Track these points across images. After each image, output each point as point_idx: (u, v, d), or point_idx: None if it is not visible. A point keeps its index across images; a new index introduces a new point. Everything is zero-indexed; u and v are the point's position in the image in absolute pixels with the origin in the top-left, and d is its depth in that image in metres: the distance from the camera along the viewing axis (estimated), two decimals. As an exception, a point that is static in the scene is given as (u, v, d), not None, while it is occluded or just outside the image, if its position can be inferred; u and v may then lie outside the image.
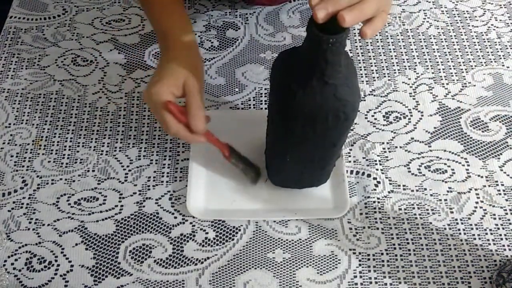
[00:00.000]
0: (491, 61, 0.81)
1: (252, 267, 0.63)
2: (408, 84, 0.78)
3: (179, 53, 0.61)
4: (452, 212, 0.67)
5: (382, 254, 0.64)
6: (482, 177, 0.69)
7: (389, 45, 0.82)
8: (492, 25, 0.85)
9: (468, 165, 0.70)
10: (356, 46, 0.82)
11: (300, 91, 0.50)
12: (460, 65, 0.80)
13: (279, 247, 0.64)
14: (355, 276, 0.62)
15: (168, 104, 0.57)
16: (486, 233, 0.65)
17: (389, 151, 0.71)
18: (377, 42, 0.82)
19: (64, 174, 0.69)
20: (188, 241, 0.64)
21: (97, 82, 0.77)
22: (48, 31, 0.82)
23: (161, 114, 0.58)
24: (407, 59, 0.81)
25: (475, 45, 0.82)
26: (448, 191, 0.68)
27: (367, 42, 0.82)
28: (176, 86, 0.58)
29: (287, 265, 0.63)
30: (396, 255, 0.63)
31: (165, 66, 0.60)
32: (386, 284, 0.61)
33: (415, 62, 0.80)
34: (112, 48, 0.81)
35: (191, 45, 0.63)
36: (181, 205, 0.66)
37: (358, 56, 0.81)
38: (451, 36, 0.83)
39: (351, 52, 0.81)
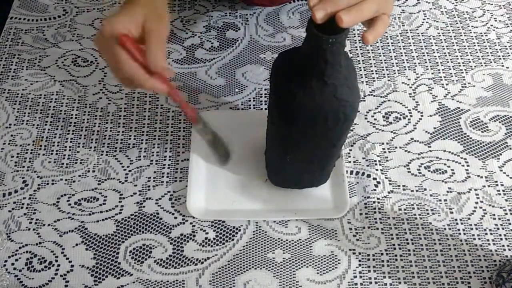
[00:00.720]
0: (491, 62, 0.81)
1: (252, 267, 0.63)
2: (408, 85, 0.78)
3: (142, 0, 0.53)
4: (451, 212, 0.67)
5: (382, 254, 0.64)
6: (481, 177, 0.70)
7: (388, 45, 0.82)
8: (491, 25, 0.85)
9: (468, 166, 0.71)
10: (356, 47, 0.82)
11: (300, 92, 0.50)
12: (460, 65, 0.80)
13: (279, 247, 0.64)
14: (355, 276, 0.62)
15: (122, 38, 0.49)
16: (486, 233, 0.65)
17: (389, 152, 0.72)
18: (377, 42, 0.83)
19: (65, 175, 0.69)
20: (188, 241, 0.64)
21: (97, 82, 0.77)
22: (49, 32, 0.83)
23: (113, 49, 0.49)
24: (406, 60, 0.81)
25: (474, 45, 0.83)
26: (448, 191, 0.68)
27: (367, 43, 0.82)
28: (135, 23, 0.50)
29: (287, 265, 0.63)
30: (396, 255, 0.64)
31: (124, 6, 0.52)
32: (386, 284, 0.62)
33: (415, 63, 0.80)
34: (112, 49, 0.81)
35: None
36: (181, 205, 0.67)
37: (358, 56, 0.81)
38: (450, 36, 0.84)
39: (350, 53, 0.81)
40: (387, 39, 0.83)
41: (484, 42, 0.83)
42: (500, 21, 0.86)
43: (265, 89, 0.77)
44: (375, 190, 0.68)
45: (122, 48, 0.49)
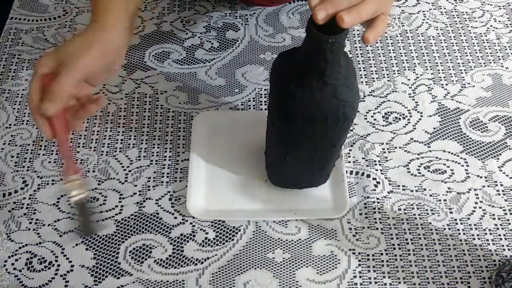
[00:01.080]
0: (490, 62, 0.81)
1: (252, 267, 0.63)
2: (408, 85, 0.78)
3: (89, 28, 0.56)
4: (451, 212, 0.67)
5: (381, 254, 0.64)
6: (481, 177, 0.70)
7: (388, 46, 0.82)
8: (491, 26, 0.85)
9: (468, 166, 0.71)
10: (356, 47, 0.82)
11: (300, 92, 0.50)
12: (459, 66, 0.80)
13: (279, 247, 0.64)
14: (355, 276, 0.62)
15: (44, 74, 0.51)
16: (486, 233, 0.65)
17: (389, 152, 0.72)
18: (377, 43, 0.83)
19: (65, 175, 0.69)
20: (188, 241, 0.64)
21: (98, 83, 0.77)
22: (49, 32, 0.83)
23: (31, 80, 0.52)
24: (406, 60, 0.81)
25: (474, 46, 0.83)
26: (447, 192, 0.68)
27: (366, 43, 0.82)
28: (59, 59, 0.52)
29: (287, 265, 0.63)
30: (395, 255, 0.64)
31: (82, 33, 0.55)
32: (385, 284, 0.62)
33: (415, 63, 0.81)
34: (112, 49, 0.81)
35: (105, 25, 0.56)
36: (181, 206, 0.67)
37: (358, 57, 0.81)
38: (450, 37, 0.84)
39: (350, 53, 0.81)
40: (387, 39, 0.83)
41: (484, 42, 0.83)
42: (499, 21, 0.86)
43: (265, 90, 0.77)
44: (374, 190, 0.68)
45: (37, 83, 0.51)
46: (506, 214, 0.67)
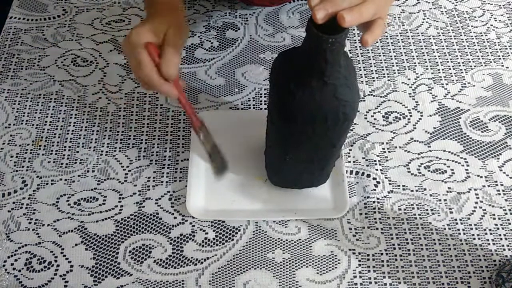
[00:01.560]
0: (491, 62, 0.81)
1: (252, 267, 0.63)
2: (408, 85, 0.78)
3: (165, 13, 0.59)
4: (451, 212, 0.67)
5: (381, 254, 0.64)
6: (481, 177, 0.70)
7: (388, 45, 0.82)
8: (491, 25, 0.85)
9: (468, 165, 0.70)
10: (356, 47, 0.82)
11: (300, 91, 0.50)
12: (460, 65, 0.80)
13: (278, 247, 0.64)
14: (355, 276, 0.62)
15: (147, 44, 0.55)
16: (486, 233, 0.65)
17: (389, 151, 0.72)
18: (377, 42, 0.83)
19: (64, 175, 0.69)
20: (187, 241, 0.64)
21: (97, 82, 0.77)
22: (48, 32, 0.83)
23: (138, 52, 0.55)
24: (406, 60, 0.81)
25: (474, 45, 0.83)
26: (447, 191, 0.68)
27: (366, 43, 0.82)
28: (157, 32, 0.56)
29: (287, 265, 0.63)
30: (395, 255, 0.64)
31: (147, 19, 0.59)
32: (385, 284, 0.62)
33: (415, 63, 0.80)
34: (112, 49, 0.81)
35: (177, 9, 0.61)
36: (180, 205, 0.67)
37: (358, 56, 0.81)
38: (450, 36, 0.84)
39: (350, 53, 0.81)
40: (387, 39, 0.83)
41: (484, 42, 0.83)
42: (500, 21, 0.86)
43: (265, 89, 0.77)
44: (375, 190, 0.68)
45: (147, 54, 0.55)
46: (506, 214, 0.67)
